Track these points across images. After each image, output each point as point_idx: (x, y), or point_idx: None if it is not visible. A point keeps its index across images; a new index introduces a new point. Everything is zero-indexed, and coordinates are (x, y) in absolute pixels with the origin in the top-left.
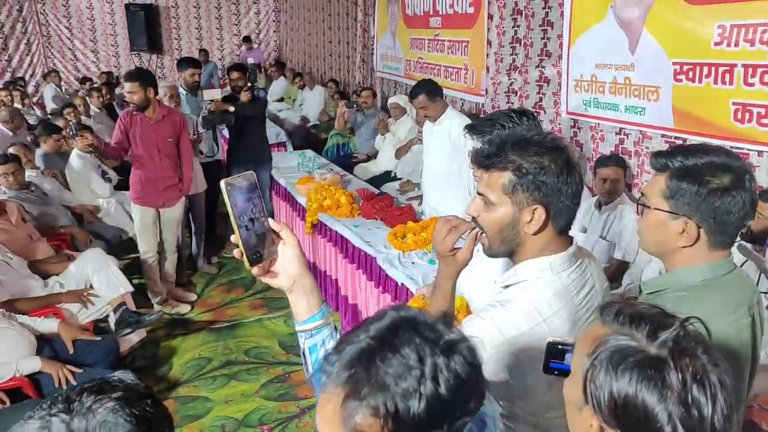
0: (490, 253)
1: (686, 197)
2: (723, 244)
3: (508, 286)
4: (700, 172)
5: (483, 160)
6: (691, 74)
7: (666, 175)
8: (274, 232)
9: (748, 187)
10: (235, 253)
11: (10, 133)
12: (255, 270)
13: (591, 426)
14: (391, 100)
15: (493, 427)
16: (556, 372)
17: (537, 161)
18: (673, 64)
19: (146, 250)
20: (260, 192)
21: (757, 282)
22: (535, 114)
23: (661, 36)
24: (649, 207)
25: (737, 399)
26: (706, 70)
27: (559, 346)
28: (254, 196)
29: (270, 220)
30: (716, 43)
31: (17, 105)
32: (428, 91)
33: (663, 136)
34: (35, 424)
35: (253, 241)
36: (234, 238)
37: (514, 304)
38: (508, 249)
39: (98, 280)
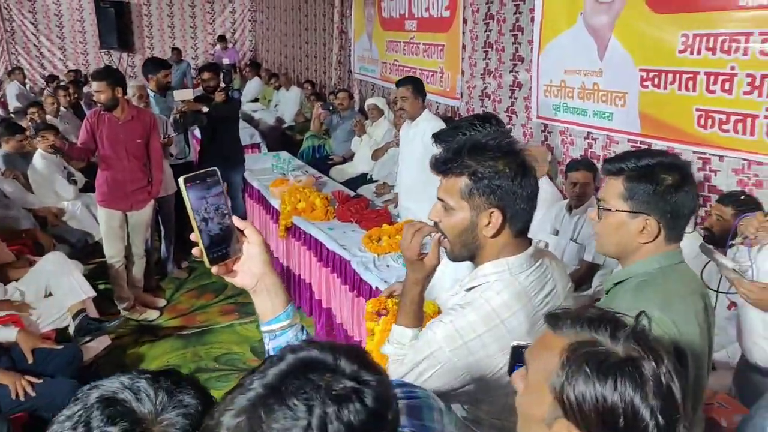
0: (453, 257)
1: (644, 196)
2: (676, 237)
3: (470, 289)
4: (654, 172)
5: (440, 166)
6: (656, 81)
7: (622, 178)
8: (239, 230)
9: (694, 182)
10: (194, 251)
11: None
12: (214, 269)
13: None
14: (369, 102)
15: None
16: None
17: (492, 165)
18: (640, 70)
19: (112, 254)
20: (224, 188)
21: (718, 283)
22: (501, 119)
23: (629, 43)
24: (609, 210)
25: (698, 384)
26: (671, 77)
27: (523, 350)
28: (216, 193)
29: (234, 217)
30: (680, 51)
31: None
32: (415, 85)
33: (629, 140)
34: (124, 381)
35: (213, 239)
36: (193, 236)
37: (472, 307)
38: (469, 252)
39: (58, 285)
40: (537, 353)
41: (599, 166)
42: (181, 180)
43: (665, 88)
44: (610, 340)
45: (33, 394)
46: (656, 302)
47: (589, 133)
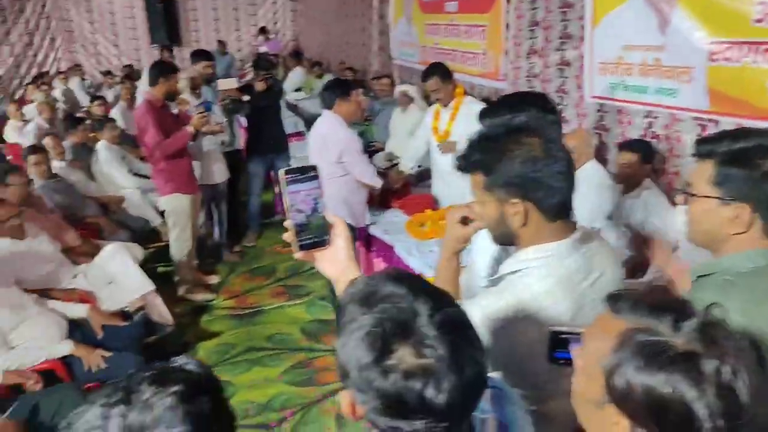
0: (496, 243)
1: (737, 182)
2: None
3: (512, 273)
4: (749, 156)
5: (460, 166)
6: (728, 54)
7: (712, 162)
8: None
9: None
10: (285, 236)
11: (47, 126)
12: (299, 254)
13: (616, 424)
14: (399, 88)
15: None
16: (562, 362)
17: (503, 157)
18: (709, 43)
19: (187, 237)
20: (320, 184)
21: None
22: (550, 99)
23: (696, 14)
24: (695, 195)
25: None
26: (745, 49)
27: (563, 336)
28: (312, 187)
29: (327, 211)
30: (757, 20)
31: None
32: (441, 74)
33: (696, 118)
34: (96, 413)
35: (304, 228)
36: (287, 223)
37: (511, 292)
38: (509, 240)
39: (118, 278)
40: (594, 333)
41: (657, 145)
42: (281, 171)
43: (738, 61)
44: (671, 330)
45: (104, 366)
46: (739, 306)
47: (649, 111)
